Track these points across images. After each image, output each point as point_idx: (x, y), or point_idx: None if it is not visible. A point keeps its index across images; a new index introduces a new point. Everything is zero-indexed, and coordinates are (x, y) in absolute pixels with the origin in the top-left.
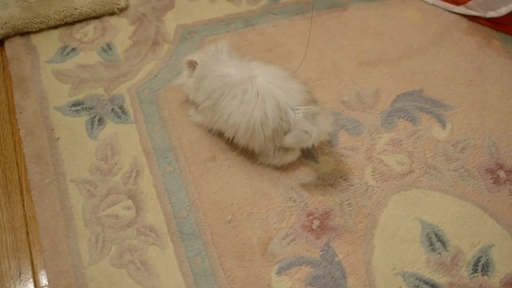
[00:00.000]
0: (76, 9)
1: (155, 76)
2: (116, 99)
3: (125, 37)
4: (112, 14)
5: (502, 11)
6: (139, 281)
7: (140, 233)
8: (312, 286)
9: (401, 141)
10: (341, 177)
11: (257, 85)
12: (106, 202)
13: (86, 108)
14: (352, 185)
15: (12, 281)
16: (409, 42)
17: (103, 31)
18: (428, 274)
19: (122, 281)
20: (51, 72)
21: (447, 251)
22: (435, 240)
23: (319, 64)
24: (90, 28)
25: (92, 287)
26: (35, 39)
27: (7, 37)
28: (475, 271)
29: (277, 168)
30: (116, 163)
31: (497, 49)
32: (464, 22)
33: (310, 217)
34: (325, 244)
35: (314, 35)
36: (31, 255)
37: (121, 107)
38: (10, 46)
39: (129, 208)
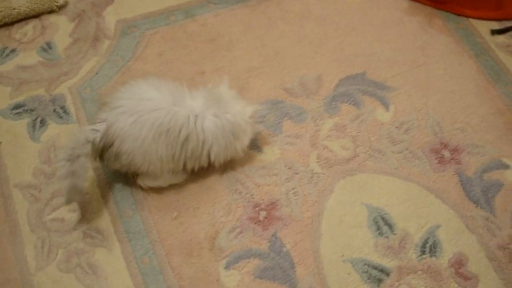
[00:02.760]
0: (14, 9)
1: (97, 73)
2: (58, 99)
3: (65, 35)
4: (51, 12)
5: None
6: (87, 284)
7: (86, 236)
8: (261, 278)
9: (345, 125)
10: (285, 165)
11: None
12: (51, 205)
13: (27, 110)
14: (297, 173)
15: None
16: (350, 25)
17: (43, 30)
18: (376, 258)
19: (70, 285)
20: None
21: (395, 234)
22: (382, 224)
23: (261, 52)
24: (29, 28)
25: None
26: None
27: None
28: (423, 252)
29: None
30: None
31: (439, 28)
32: (405, 2)
33: (257, 209)
34: (273, 235)
35: (255, 23)
36: None
37: (62, 107)
38: None
39: (74, 211)
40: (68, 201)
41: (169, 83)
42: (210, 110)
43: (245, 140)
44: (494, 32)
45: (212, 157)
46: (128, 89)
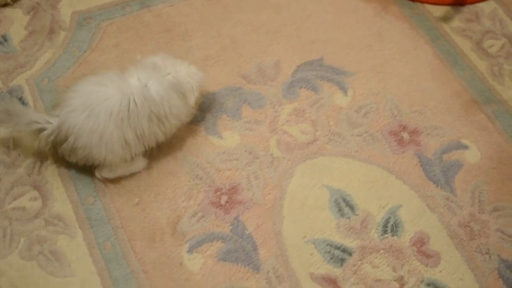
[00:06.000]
0: None
1: (53, 64)
2: (15, 91)
3: (20, 28)
4: (5, 5)
5: None
6: (50, 271)
7: (48, 223)
8: (225, 261)
9: (304, 110)
10: (246, 150)
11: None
12: (12, 195)
13: None
14: (257, 158)
15: None
16: (306, 12)
17: None
18: (338, 239)
19: (33, 273)
20: None
21: (356, 215)
22: (343, 205)
23: (217, 40)
24: None
25: (3, 282)
26: None
27: None
28: (385, 232)
29: (181, 147)
30: (19, 155)
31: (394, 14)
32: None
33: (218, 193)
34: (235, 218)
35: (210, 12)
36: None
37: (20, 98)
38: None
39: (35, 199)
40: None
41: (105, 73)
42: (152, 79)
43: (192, 98)
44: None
45: (173, 121)
46: (74, 89)
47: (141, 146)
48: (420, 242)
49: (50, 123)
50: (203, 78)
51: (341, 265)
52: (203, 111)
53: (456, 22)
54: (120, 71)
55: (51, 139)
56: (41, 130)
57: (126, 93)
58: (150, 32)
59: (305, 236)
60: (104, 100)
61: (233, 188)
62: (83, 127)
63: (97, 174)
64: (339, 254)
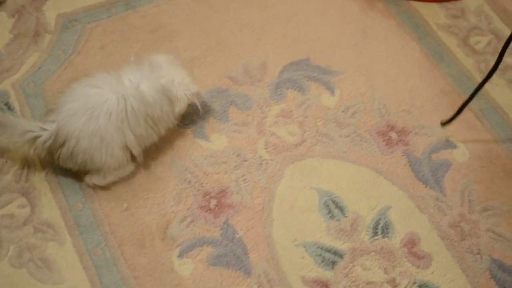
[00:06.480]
0: None
1: (39, 68)
2: (1, 96)
3: (5, 31)
4: None
5: None
6: (40, 278)
7: (37, 230)
8: (215, 265)
9: (291, 111)
10: (234, 153)
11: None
12: (0, 202)
13: None
14: (246, 161)
15: None
16: (292, 11)
17: None
18: (329, 242)
19: (23, 280)
20: None
21: (346, 217)
22: (333, 207)
23: (203, 41)
24: None
25: None
26: None
27: None
28: (375, 234)
29: (169, 150)
30: (6, 161)
31: (380, 11)
32: None
33: (207, 197)
34: (224, 222)
35: (196, 12)
36: None
37: (6, 104)
38: None
39: (23, 206)
40: None
41: (98, 75)
42: (144, 80)
43: (177, 108)
44: (444, 123)
45: (164, 123)
46: (69, 93)
47: (139, 148)
48: (411, 243)
49: (45, 129)
50: (195, 92)
51: (332, 268)
52: (190, 113)
53: (442, 19)
54: (112, 71)
55: (47, 145)
56: (36, 138)
57: (122, 94)
58: (136, 33)
59: (296, 239)
60: (103, 103)
61: (222, 191)
62: (84, 131)
63: (87, 180)
64: (330, 257)
